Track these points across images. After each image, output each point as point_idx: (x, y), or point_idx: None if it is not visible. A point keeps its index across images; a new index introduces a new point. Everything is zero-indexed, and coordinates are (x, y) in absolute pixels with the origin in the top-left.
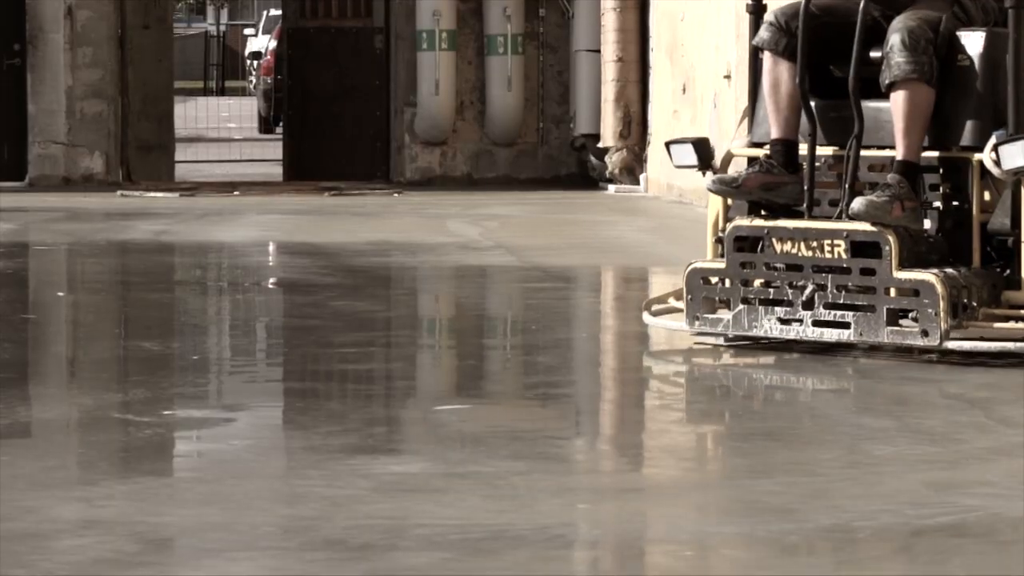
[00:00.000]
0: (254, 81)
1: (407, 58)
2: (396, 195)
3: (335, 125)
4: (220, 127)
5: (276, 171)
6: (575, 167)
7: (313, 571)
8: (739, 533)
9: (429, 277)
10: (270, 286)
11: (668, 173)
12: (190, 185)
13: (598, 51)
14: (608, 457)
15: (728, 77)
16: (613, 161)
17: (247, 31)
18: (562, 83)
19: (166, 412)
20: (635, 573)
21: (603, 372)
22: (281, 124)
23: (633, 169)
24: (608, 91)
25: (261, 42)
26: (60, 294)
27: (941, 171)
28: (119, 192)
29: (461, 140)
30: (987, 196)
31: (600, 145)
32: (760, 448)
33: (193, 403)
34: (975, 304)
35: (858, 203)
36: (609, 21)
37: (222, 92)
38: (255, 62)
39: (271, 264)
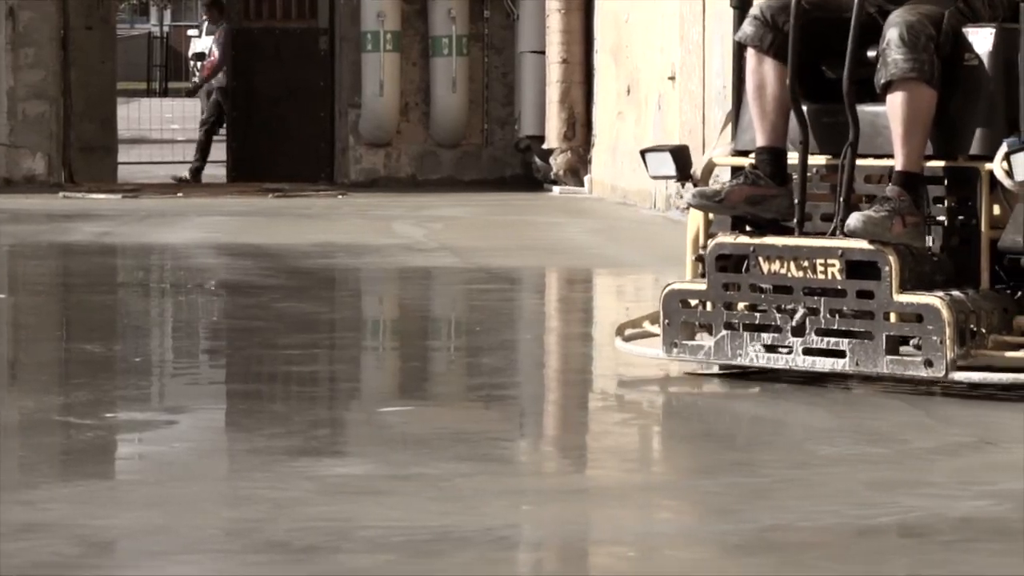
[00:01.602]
0: (197, 82)
1: (352, 59)
2: (340, 196)
3: (279, 126)
4: (163, 128)
5: (220, 172)
6: (520, 168)
7: (256, 573)
8: (682, 534)
9: (373, 279)
10: (213, 288)
11: (612, 174)
12: (133, 187)
13: (543, 52)
14: (552, 459)
15: (673, 79)
16: (558, 162)
17: (191, 32)
18: (507, 84)
19: (108, 415)
20: (579, 574)
21: (547, 374)
22: (225, 125)
23: (577, 170)
24: (553, 92)
25: (205, 43)
26: (1, 296)
27: (946, 182)
28: (61, 193)
29: (406, 141)
30: (997, 210)
31: (545, 146)
32: (703, 449)
33: (135, 405)
34: (984, 331)
35: (855, 219)
36: (554, 23)
37: (165, 93)
38: (199, 63)
39: (214, 266)
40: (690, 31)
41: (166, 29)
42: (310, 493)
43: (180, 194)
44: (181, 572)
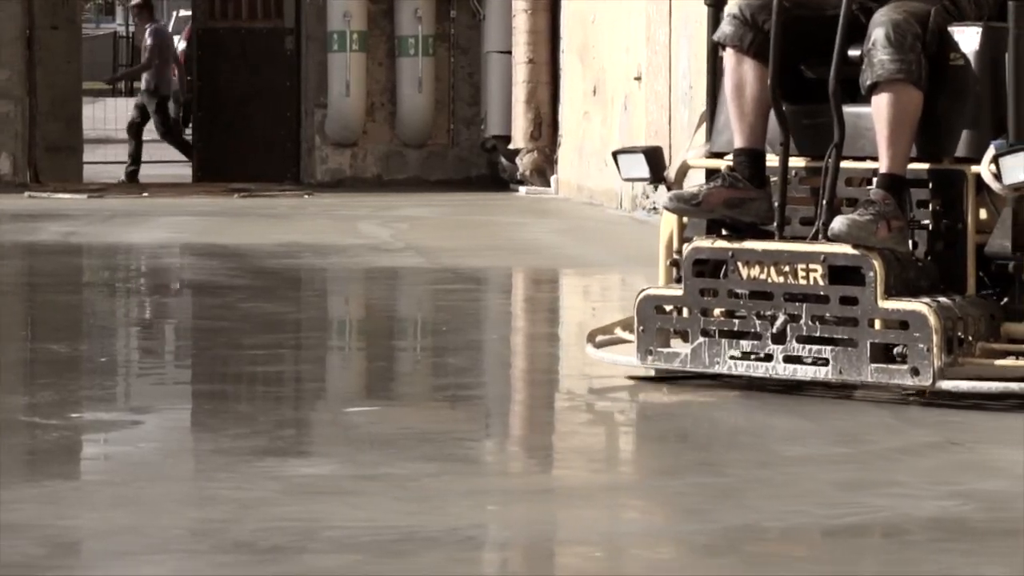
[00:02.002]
0: None
1: (318, 59)
2: (306, 196)
3: (245, 126)
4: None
5: (185, 172)
6: (486, 168)
7: (222, 573)
8: (649, 534)
9: (339, 279)
10: (179, 288)
11: (578, 174)
12: (98, 187)
13: (509, 53)
14: (518, 459)
15: (639, 79)
16: (524, 162)
17: None
18: (473, 85)
19: (74, 415)
20: (545, 574)
21: (513, 374)
22: (190, 125)
23: (544, 170)
24: (519, 92)
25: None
26: None
27: (931, 185)
28: (27, 193)
29: (372, 141)
30: (983, 214)
31: (511, 146)
32: (669, 449)
33: (101, 406)
34: (971, 338)
35: (839, 223)
36: (520, 23)
37: (131, 93)
38: None
39: (180, 266)
40: (656, 32)
41: (131, 29)
42: (276, 493)
43: (146, 194)
44: (147, 572)
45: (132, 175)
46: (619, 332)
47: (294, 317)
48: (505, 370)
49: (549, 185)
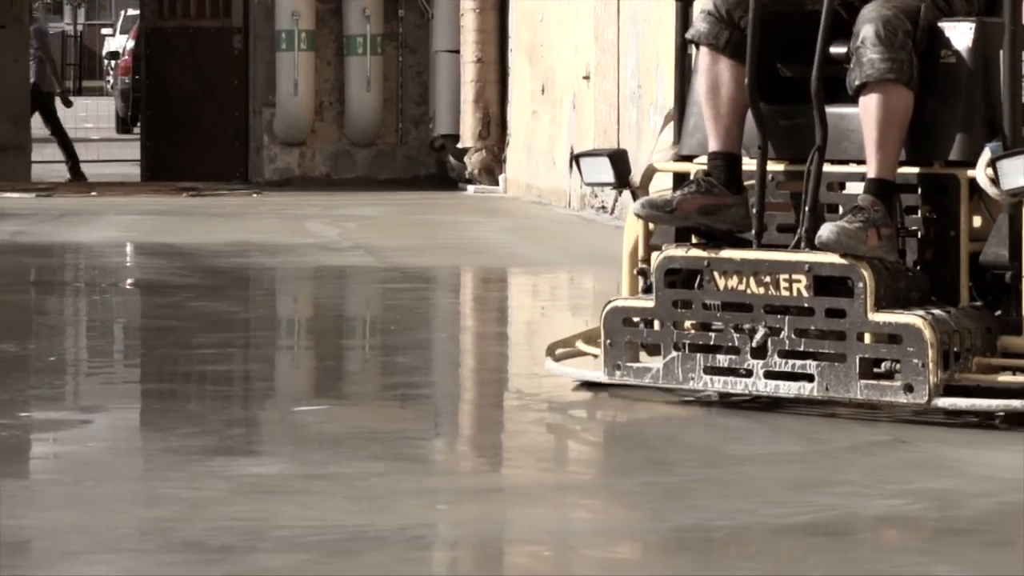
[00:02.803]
0: (112, 81)
1: (266, 58)
2: (255, 196)
3: (193, 125)
4: (77, 127)
5: (134, 171)
6: (434, 168)
7: (171, 573)
8: (598, 533)
9: (288, 278)
10: (128, 287)
11: (527, 174)
12: (47, 185)
13: (457, 52)
14: (467, 458)
15: (587, 78)
16: (472, 162)
17: (105, 31)
18: (421, 84)
19: (22, 414)
20: (495, 573)
21: (462, 373)
22: (139, 124)
23: (492, 170)
24: (467, 92)
25: (119, 42)
26: None
27: (921, 191)
28: None
29: (320, 141)
30: (977, 221)
31: (459, 146)
32: (618, 448)
33: (50, 405)
34: (967, 352)
35: (827, 230)
36: (469, 22)
37: (79, 92)
38: (113, 62)
39: (129, 265)
40: (605, 31)
41: (80, 28)
42: (225, 492)
43: (94, 193)
44: (96, 572)
45: (74, 171)
46: (580, 345)
47: (243, 316)
48: (454, 369)
49: (498, 184)
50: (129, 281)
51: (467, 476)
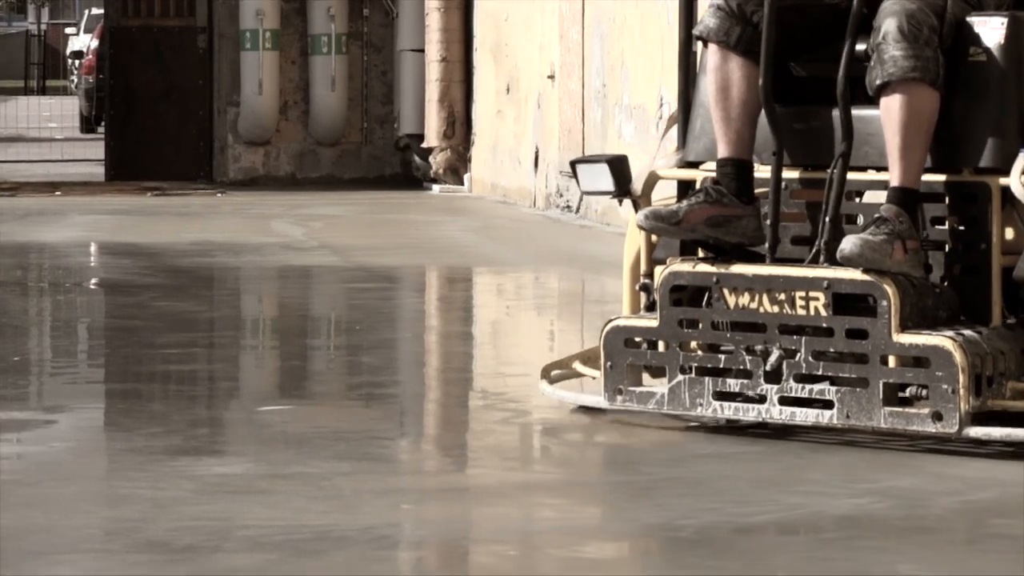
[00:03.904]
0: (76, 80)
1: (230, 58)
2: (219, 195)
3: (158, 125)
4: (41, 127)
5: (98, 171)
6: (399, 167)
7: (136, 573)
8: (563, 532)
9: (253, 277)
10: (92, 287)
11: (492, 173)
12: (11, 185)
13: (422, 51)
14: (433, 457)
15: (552, 77)
16: (437, 161)
17: (68, 30)
18: (386, 83)
19: None
20: (460, 573)
21: (428, 372)
22: (103, 124)
23: (457, 169)
24: (432, 91)
25: (83, 41)
26: None
27: (949, 200)
28: None
29: (285, 140)
30: (1010, 234)
31: (424, 145)
32: (584, 447)
33: (14, 405)
34: (1001, 376)
35: (850, 244)
36: (433, 21)
37: (43, 91)
38: (77, 61)
39: (93, 265)
40: (570, 30)
41: (44, 27)
42: (189, 492)
43: (58, 193)
44: (60, 572)
45: None
46: (577, 365)
47: (207, 316)
48: (419, 369)
49: (462, 183)
50: (94, 281)
51: (432, 476)
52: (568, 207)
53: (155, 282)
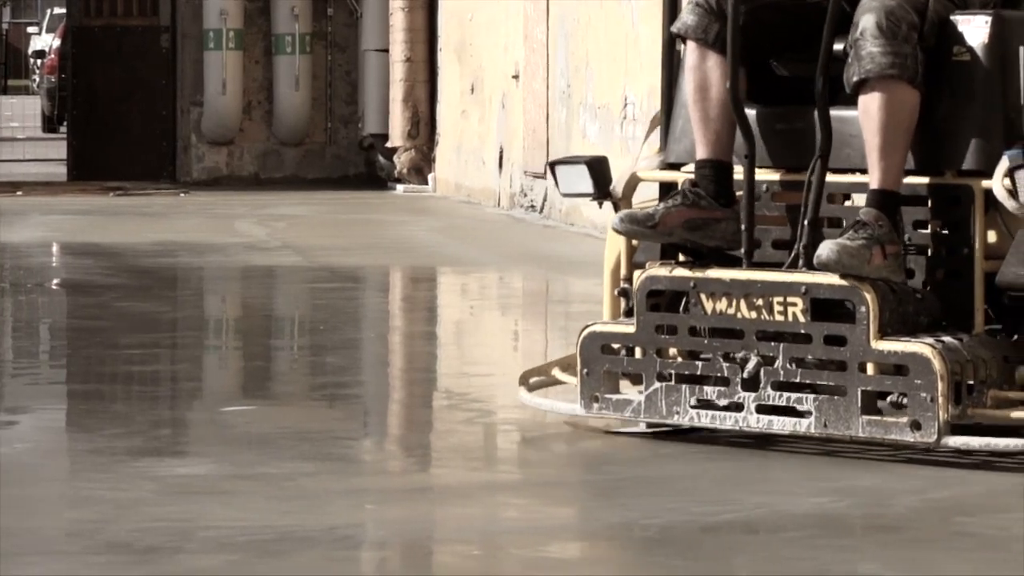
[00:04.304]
0: (38, 80)
1: (194, 57)
2: (182, 195)
3: (120, 124)
4: (3, 126)
5: (60, 171)
6: (363, 167)
7: (98, 574)
8: (527, 532)
9: (216, 278)
10: (54, 287)
11: (456, 173)
12: None
13: (386, 51)
14: (396, 457)
15: (516, 77)
16: (401, 161)
17: (31, 29)
18: (350, 83)
19: None
20: (423, 573)
21: (391, 372)
22: (65, 123)
23: (421, 169)
24: (396, 91)
25: (45, 40)
26: None
27: (931, 203)
28: None
29: (248, 140)
30: (993, 237)
31: (388, 145)
32: (547, 447)
33: None
34: (983, 384)
35: (827, 249)
36: (397, 21)
37: (5, 91)
38: (39, 61)
39: (55, 265)
40: (534, 30)
41: (5, 26)
42: (152, 493)
43: (20, 192)
44: (22, 573)
45: None
46: (556, 372)
47: (170, 316)
48: (383, 369)
49: (427, 183)
50: (55, 281)
51: (396, 476)
52: (532, 207)
53: (117, 282)
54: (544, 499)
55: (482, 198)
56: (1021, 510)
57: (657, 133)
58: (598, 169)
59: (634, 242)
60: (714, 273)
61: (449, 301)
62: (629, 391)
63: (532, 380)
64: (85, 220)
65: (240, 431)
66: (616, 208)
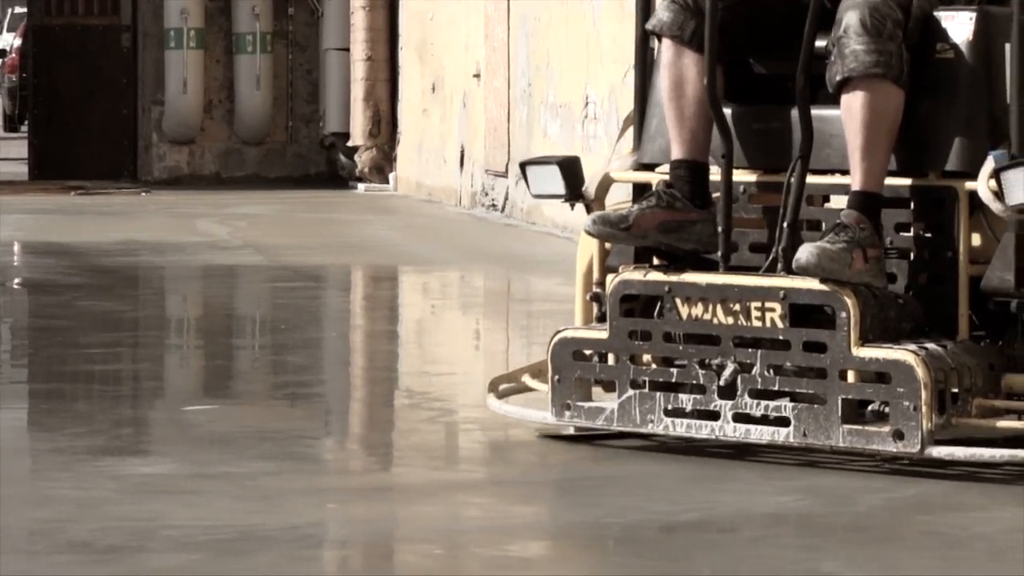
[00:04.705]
0: None
1: (155, 56)
2: (144, 194)
3: (82, 124)
4: None
5: (21, 170)
6: (324, 166)
7: (59, 573)
8: (489, 530)
9: (177, 277)
10: (15, 286)
11: (417, 172)
12: None
13: (347, 50)
14: (358, 457)
15: (477, 76)
16: (363, 160)
17: None
18: (311, 82)
19: None
20: (385, 572)
21: (353, 372)
22: (26, 122)
23: (383, 168)
24: (357, 90)
25: (6, 40)
26: None
27: (913, 205)
28: None
29: (209, 139)
30: (978, 240)
31: (349, 144)
32: (507, 446)
33: None
34: (967, 393)
35: (806, 253)
36: (359, 20)
37: None
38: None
39: (16, 264)
40: (495, 29)
41: None
42: (113, 492)
43: None
44: None
45: None
46: (527, 379)
47: (132, 315)
48: (345, 368)
49: (388, 182)
50: (16, 280)
51: (357, 475)
52: (493, 206)
53: (79, 281)
54: (506, 498)
55: (443, 197)
56: (983, 509)
57: (630, 133)
58: (570, 170)
59: (607, 245)
60: (689, 277)
61: (410, 300)
62: (602, 399)
63: (502, 387)
64: (46, 219)
65: (202, 430)
66: (588, 210)
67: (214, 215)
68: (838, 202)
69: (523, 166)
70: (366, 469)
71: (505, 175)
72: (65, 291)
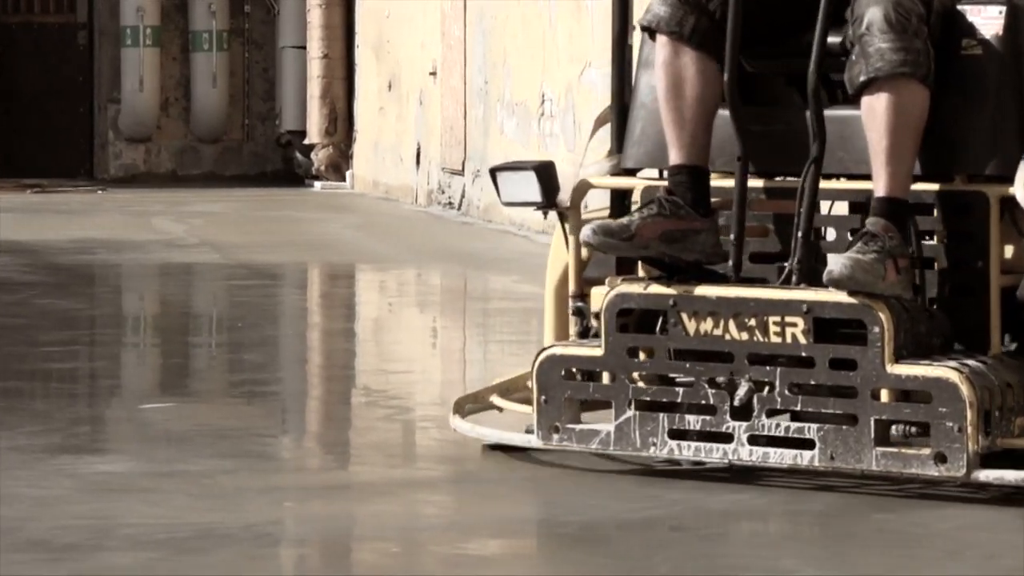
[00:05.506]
0: None
1: (111, 54)
2: (100, 192)
3: (38, 122)
4: None
5: None
6: (281, 164)
7: (17, 572)
8: (446, 528)
9: (134, 275)
10: None
11: (374, 170)
12: None
13: (304, 48)
14: (315, 455)
15: (434, 74)
16: (319, 158)
17: None
18: (268, 80)
19: None
20: (342, 571)
21: (310, 370)
22: None
23: (339, 166)
24: (314, 88)
25: None
26: None
27: (940, 211)
28: None
29: (166, 137)
30: (1010, 250)
31: (306, 142)
32: (467, 444)
33: None
34: (1009, 412)
35: (840, 264)
36: (315, 18)
37: None
38: None
39: None
40: (451, 27)
41: None
42: (71, 491)
43: None
44: None
45: None
46: (495, 399)
47: (88, 314)
48: (301, 366)
49: (344, 180)
50: None
51: (315, 473)
52: (450, 204)
53: (36, 280)
54: (463, 496)
55: (400, 195)
56: (941, 507)
57: (602, 134)
58: (545, 176)
59: (585, 255)
60: (699, 290)
61: (367, 298)
62: (594, 420)
63: (468, 407)
64: (3, 217)
65: (159, 428)
66: (562, 218)
67: (171, 213)
68: (839, 208)
69: (494, 172)
70: (323, 467)
71: (462, 173)
72: (22, 289)
